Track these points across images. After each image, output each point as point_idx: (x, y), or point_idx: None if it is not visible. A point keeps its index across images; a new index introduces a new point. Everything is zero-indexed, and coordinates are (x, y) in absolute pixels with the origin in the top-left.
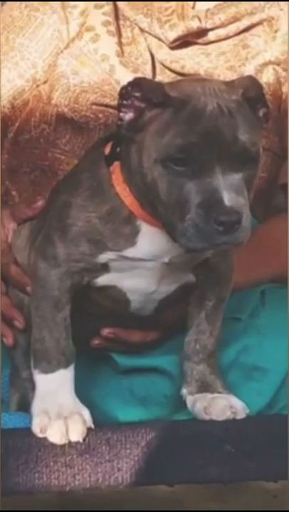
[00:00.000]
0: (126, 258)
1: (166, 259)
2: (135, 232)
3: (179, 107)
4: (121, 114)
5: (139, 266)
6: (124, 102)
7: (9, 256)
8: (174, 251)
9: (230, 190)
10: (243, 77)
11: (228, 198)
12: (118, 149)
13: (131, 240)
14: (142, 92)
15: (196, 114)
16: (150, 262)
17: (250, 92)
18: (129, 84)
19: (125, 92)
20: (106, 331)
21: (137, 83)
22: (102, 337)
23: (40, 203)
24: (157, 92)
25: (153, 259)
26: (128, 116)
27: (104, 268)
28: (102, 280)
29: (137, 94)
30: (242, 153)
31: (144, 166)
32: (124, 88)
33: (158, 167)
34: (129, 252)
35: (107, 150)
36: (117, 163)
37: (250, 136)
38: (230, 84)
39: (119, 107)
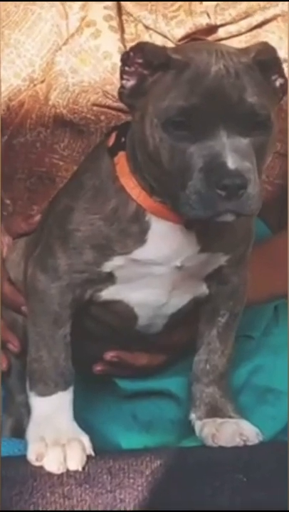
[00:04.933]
0: (134, 262)
1: (177, 263)
2: (144, 229)
3: (181, 68)
4: (123, 82)
5: (148, 273)
6: (127, 68)
7: (2, 273)
8: (185, 251)
9: (235, 153)
10: (257, 43)
11: (231, 161)
12: (123, 139)
13: (140, 238)
14: (144, 57)
15: (199, 75)
16: (160, 268)
17: (261, 55)
18: (131, 49)
19: (127, 58)
20: (110, 355)
21: (139, 48)
22: (105, 362)
23: (38, 217)
24: (158, 54)
25: (163, 263)
26: (130, 83)
27: (110, 278)
28: (107, 293)
29: (140, 60)
30: (250, 116)
31: (146, 134)
32: (126, 54)
33: (159, 132)
34: (138, 254)
35: (111, 141)
36: (122, 154)
37: (260, 99)
38: (242, 49)
39: (121, 74)
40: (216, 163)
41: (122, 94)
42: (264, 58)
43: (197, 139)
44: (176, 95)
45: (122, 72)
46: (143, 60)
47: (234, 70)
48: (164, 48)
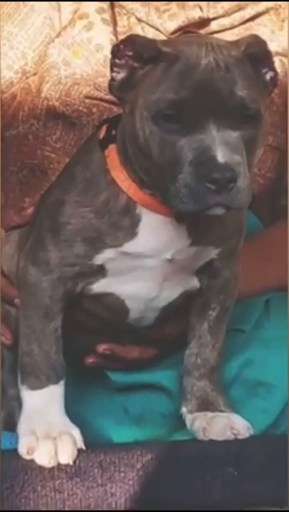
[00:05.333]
0: (125, 254)
1: (168, 255)
2: (135, 222)
3: (172, 61)
4: (113, 74)
5: (139, 265)
6: (117, 60)
7: None
8: (176, 244)
9: (225, 147)
10: (248, 36)
11: (221, 155)
12: (113, 132)
13: (131, 231)
14: (134, 49)
15: (189, 68)
16: (151, 260)
17: (252, 48)
18: (122, 42)
19: (117, 50)
20: (102, 348)
21: (130, 40)
22: (97, 354)
23: (31, 210)
24: (149, 47)
25: (154, 255)
26: (120, 75)
27: (101, 271)
28: (98, 286)
29: (130, 53)
30: (239, 110)
31: (136, 126)
32: (116, 46)
33: (149, 125)
34: (129, 247)
35: (102, 134)
36: (112, 146)
37: (250, 92)
38: (232, 42)
39: (111, 66)
40: (205, 157)
41: (112, 86)
42: (254, 51)
43: (187, 132)
44: (166, 88)
45: (112, 65)
46: (133, 53)
47: (224, 63)
48: (154, 41)
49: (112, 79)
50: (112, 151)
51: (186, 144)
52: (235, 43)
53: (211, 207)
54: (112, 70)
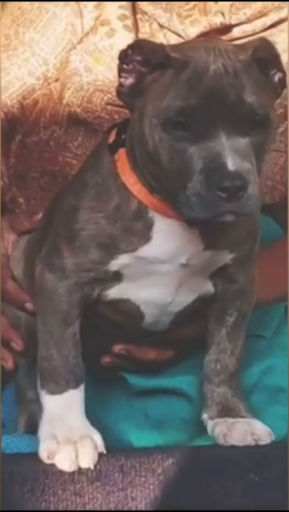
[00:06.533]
0: (140, 259)
1: (182, 260)
2: (148, 226)
3: (180, 67)
4: (121, 80)
5: (155, 271)
6: (125, 66)
7: (6, 270)
8: (190, 249)
9: (234, 154)
10: (255, 38)
11: (231, 163)
12: (123, 136)
13: (145, 235)
14: (142, 55)
15: (198, 74)
16: (166, 265)
17: (260, 52)
18: (130, 47)
19: (125, 56)
20: (118, 348)
21: (138, 46)
22: (113, 354)
23: (41, 215)
24: (157, 52)
25: (168, 260)
26: (129, 81)
27: (117, 277)
28: (114, 292)
29: (138, 58)
30: (249, 116)
31: (145, 133)
32: (124, 51)
33: (158, 132)
34: (144, 251)
35: (112, 138)
36: (122, 150)
37: (259, 98)
38: (240, 45)
39: (119, 72)
40: (216, 165)
41: (121, 92)
42: (262, 55)
43: (196, 140)
44: (174, 95)
45: (120, 70)
46: (141, 58)
47: (232, 68)
48: (162, 46)
49: (120, 84)
50: (121, 155)
51: (196, 151)
52: (242, 47)
53: (221, 214)
54: (119, 76)
